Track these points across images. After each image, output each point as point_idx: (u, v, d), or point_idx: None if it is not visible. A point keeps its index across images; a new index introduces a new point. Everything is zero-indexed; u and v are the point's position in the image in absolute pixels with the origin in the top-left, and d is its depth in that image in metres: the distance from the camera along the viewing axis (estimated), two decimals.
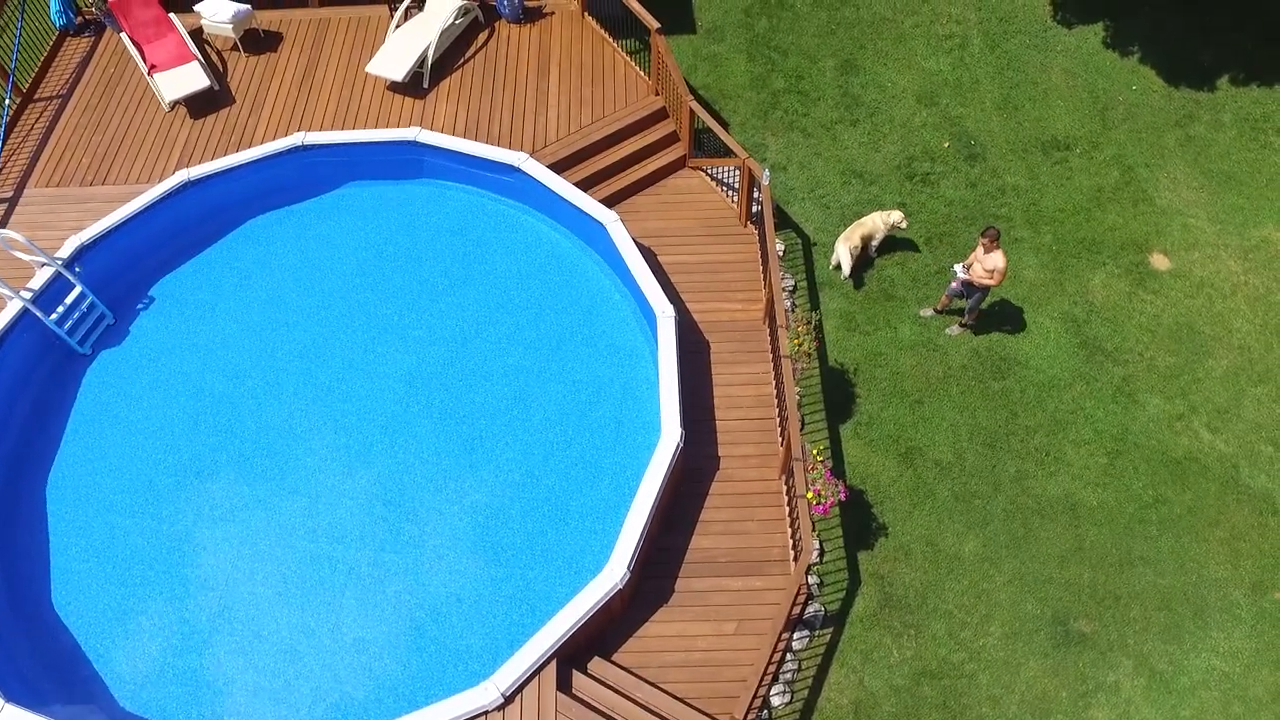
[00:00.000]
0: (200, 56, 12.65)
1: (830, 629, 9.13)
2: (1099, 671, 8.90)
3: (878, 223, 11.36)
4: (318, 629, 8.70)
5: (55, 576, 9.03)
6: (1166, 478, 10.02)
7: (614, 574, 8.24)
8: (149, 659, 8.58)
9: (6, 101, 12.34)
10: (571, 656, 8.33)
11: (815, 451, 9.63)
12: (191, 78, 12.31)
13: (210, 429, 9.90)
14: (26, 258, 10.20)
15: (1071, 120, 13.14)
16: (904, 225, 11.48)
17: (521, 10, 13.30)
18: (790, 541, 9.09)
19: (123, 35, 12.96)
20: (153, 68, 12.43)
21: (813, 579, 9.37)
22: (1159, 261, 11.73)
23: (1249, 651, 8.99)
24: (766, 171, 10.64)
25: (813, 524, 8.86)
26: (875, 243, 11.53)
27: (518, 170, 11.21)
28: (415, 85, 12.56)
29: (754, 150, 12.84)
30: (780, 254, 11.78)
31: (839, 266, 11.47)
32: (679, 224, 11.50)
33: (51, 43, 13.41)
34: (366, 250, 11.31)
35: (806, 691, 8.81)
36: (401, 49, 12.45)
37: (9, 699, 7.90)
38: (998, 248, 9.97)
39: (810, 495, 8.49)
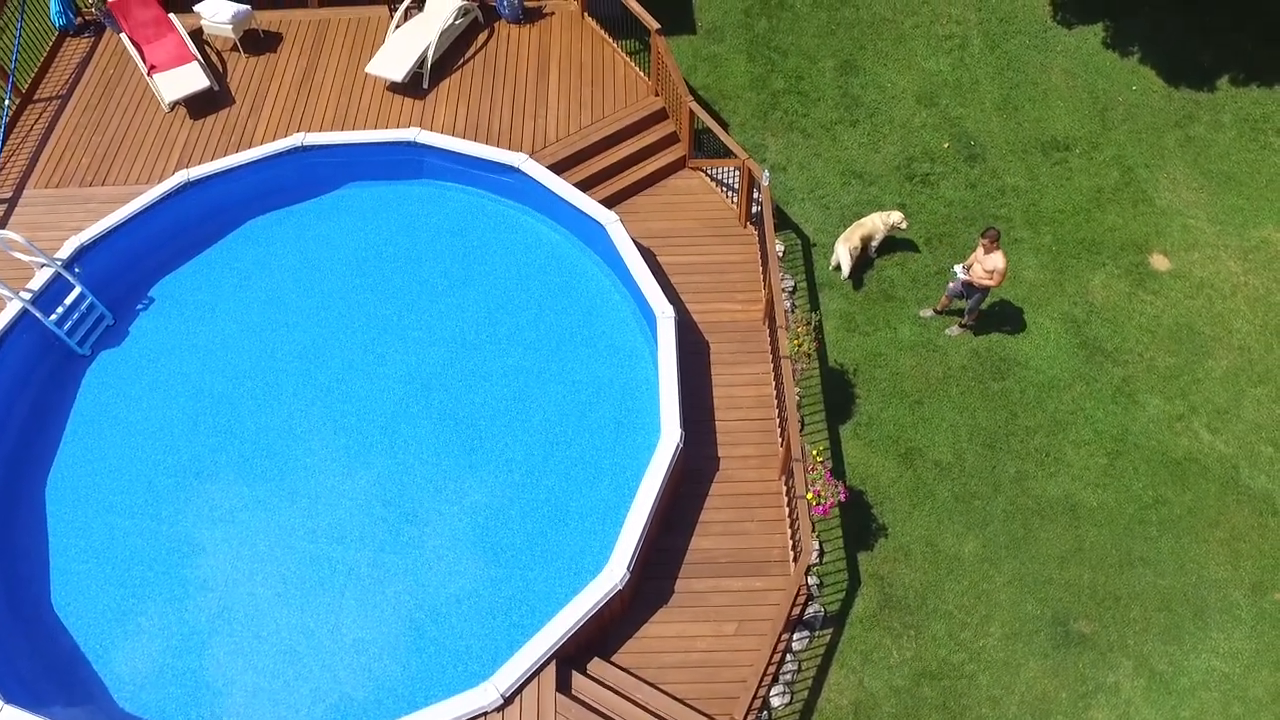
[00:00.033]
0: (200, 57, 12.65)
1: (830, 630, 9.13)
2: (1099, 672, 8.89)
3: (877, 223, 11.36)
4: (317, 630, 8.70)
5: (55, 578, 9.02)
6: (1166, 478, 10.02)
7: (614, 575, 8.24)
8: (148, 660, 8.57)
9: (6, 102, 12.33)
10: (571, 657, 8.33)
11: (815, 452, 9.63)
12: (191, 78, 12.31)
13: (210, 430, 9.89)
14: (26, 258, 10.20)
15: (1071, 121, 13.14)
16: (904, 226, 11.48)
17: (521, 11, 13.30)
18: (790, 542, 9.08)
19: (122, 36, 12.96)
20: (152, 68, 12.43)
21: (812, 580, 9.36)
22: (1159, 262, 11.73)
23: (1249, 652, 8.98)
24: (766, 172, 10.64)
25: (812, 525, 8.86)
26: (875, 243, 11.53)
27: (517, 171, 11.20)
28: (415, 86, 12.55)
29: (754, 151, 12.83)
30: (780, 255, 11.78)
31: (839, 267, 11.47)
32: (679, 225, 11.50)
33: (51, 43, 13.41)
34: (366, 251, 11.31)
35: (806, 692, 8.80)
36: (401, 49, 12.45)
37: (8, 700, 7.89)
38: (998, 248, 9.97)
39: (810, 496, 8.49)
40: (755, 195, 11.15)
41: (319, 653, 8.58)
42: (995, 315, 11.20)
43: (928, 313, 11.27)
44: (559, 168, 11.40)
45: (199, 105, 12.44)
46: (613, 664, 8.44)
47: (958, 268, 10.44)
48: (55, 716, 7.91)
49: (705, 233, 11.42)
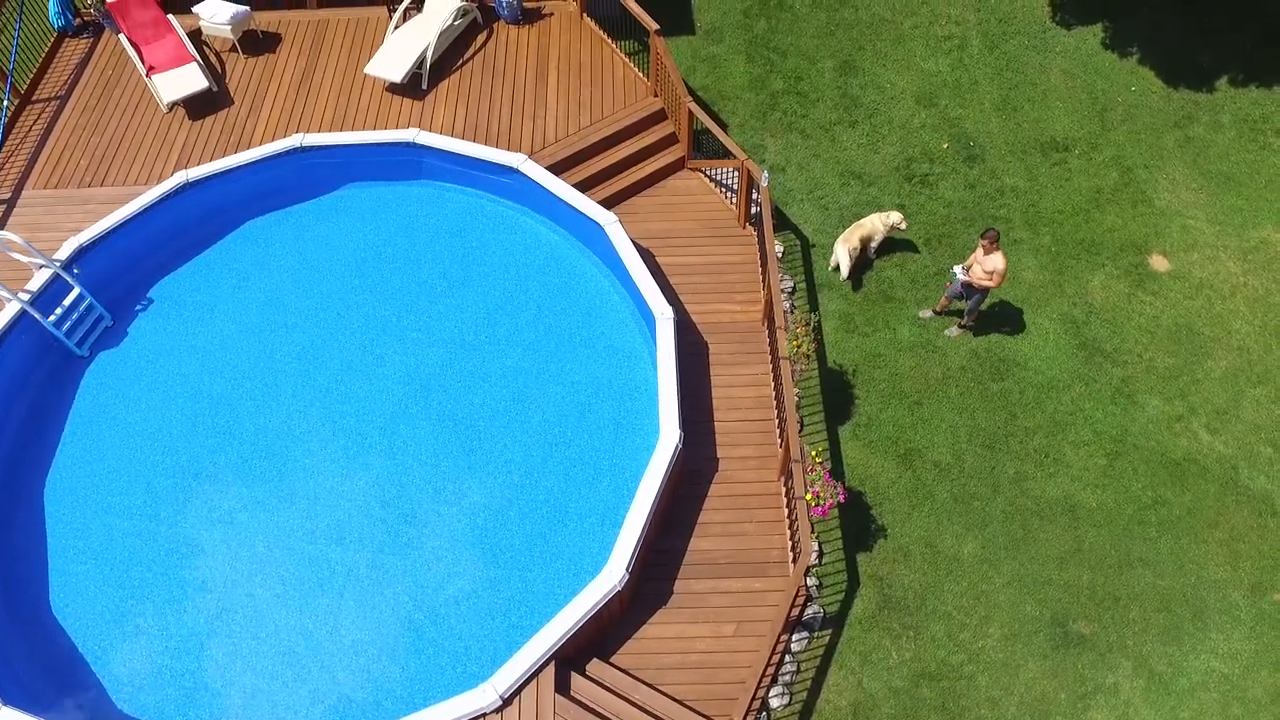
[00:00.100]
0: (199, 58, 12.64)
1: (829, 631, 9.12)
2: (1098, 673, 8.89)
3: (877, 224, 11.35)
4: (316, 631, 8.69)
5: (53, 579, 9.02)
6: (1166, 479, 10.01)
7: (613, 576, 8.23)
8: (147, 661, 8.56)
9: (5, 102, 12.33)
10: (570, 658, 8.32)
11: (814, 453, 9.64)
12: (190, 79, 12.30)
13: (209, 431, 9.89)
14: (25, 259, 10.19)
15: (1070, 121, 13.13)
16: (903, 226, 11.48)
17: (520, 11, 13.29)
18: (789, 543, 9.08)
19: (121, 36, 12.96)
20: (151, 69, 12.42)
21: (811, 581, 9.36)
22: (1158, 263, 11.73)
23: (1248, 653, 8.98)
24: (765, 173, 10.63)
25: (811, 526, 8.85)
26: (874, 244, 11.53)
27: (516, 172, 11.20)
28: (414, 86, 12.55)
29: (753, 151, 12.83)
30: (779, 255, 11.77)
31: (838, 268, 11.47)
32: (678, 225, 11.49)
33: (50, 44, 13.41)
34: (365, 252, 11.31)
35: (805, 693, 8.80)
36: (400, 50, 12.45)
37: (7, 702, 7.89)
38: (997, 249, 9.96)
39: (809, 497, 8.48)
40: (754, 196, 11.14)
41: (318, 654, 8.58)
42: (994, 316, 11.20)
43: (927, 313, 11.26)
44: (558, 168, 11.40)
45: (198, 106, 12.43)
46: (612, 665, 8.43)
47: (957, 268, 10.43)
48: (54, 718, 7.90)
49: (704, 233, 11.42)
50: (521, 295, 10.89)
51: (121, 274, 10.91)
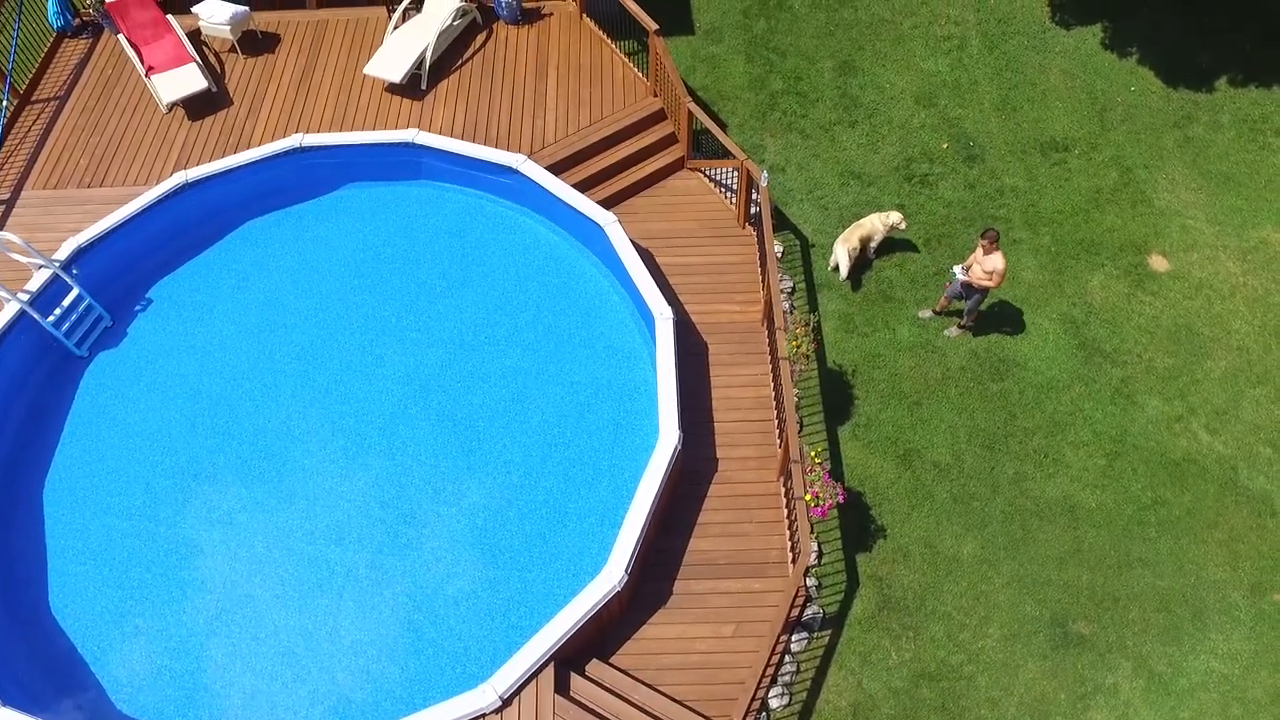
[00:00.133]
0: (198, 58, 12.64)
1: (829, 631, 9.12)
2: (1098, 673, 8.89)
3: (876, 224, 11.35)
4: (315, 632, 8.69)
5: (52, 580, 9.01)
6: (1165, 479, 10.01)
7: (612, 576, 8.23)
8: (146, 662, 8.56)
9: (4, 103, 12.32)
10: (569, 659, 8.32)
11: (813, 453, 9.63)
12: (189, 79, 12.29)
13: (208, 431, 9.88)
14: (24, 259, 10.19)
15: (1070, 121, 13.13)
16: (903, 227, 11.47)
17: (519, 12, 13.29)
18: (789, 544, 9.07)
19: (120, 37, 12.96)
20: (150, 69, 12.42)
21: (811, 581, 9.35)
22: (1158, 263, 11.73)
23: (1248, 653, 8.98)
24: (765, 173, 10.63)
25: (811, 526, 8.84)
26: (874, 244, 11.53)
27: (516, 172, 11.20)
28: (413, 87, 12.55)
29: (752, 151, 12.83)
30: (778, 255, 11.77)
31: (837, 268, 11.46)
32: (677, 225, 11.49)
33: (49, 44, 13.41)
34: (364, 252, 11.30)
35: (805, 694, 8.79)
36: (399, 50, 12.44)
37: (5, 702, 7.88)
38: (997, 249, 9.96)
39: (808, 497, 8.48)
40: (754, 196, 11.14)
41: (317, 655, 8.57)
42: (994, 316, 11.20)
43: (926, 314, 11.26)
44: (557, 169, 11.40)
45: (197, 106, 12.43)
46: (611, 665, 8.43)
47: (957, 269, 10.43)
48: (53, 719, 7.90)
49: (704, 234, 11.42)
50: (521, 295, 10.88)
51: (121, 274, 10.91)
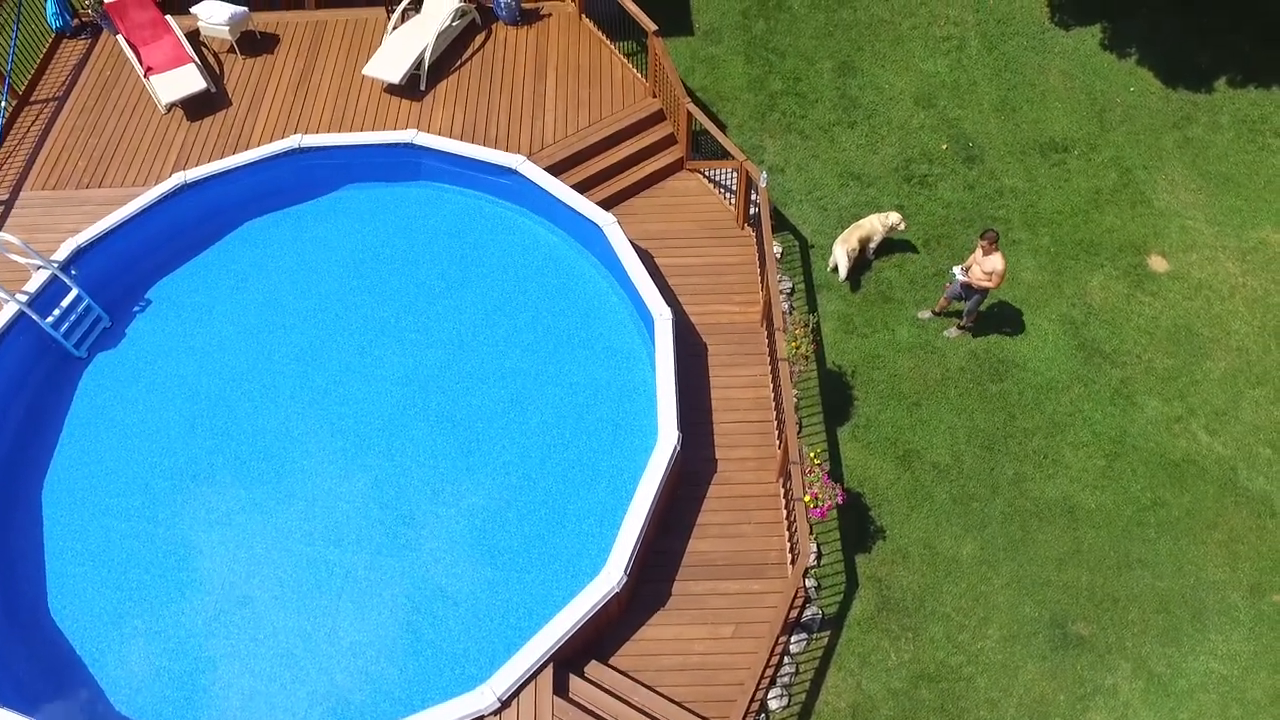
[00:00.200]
0: (197, 59, 12.63)
1: (828, 632, 9.11)
2: (1097, 674, 8.88)
3: (875, 225, 11.35)
4: (314, 633, 8.68)
5: (51, 581, 9.01)
6: (1165, 480, 10.01)
7: (611, 577, 8.22)
8: (145, 663, 8.55)
9: (2, 104, 12.32)
10: (568, 660, 8.31)
11: (813, 454, 9.63)
12: (188, 80, 12.29)
13: (207, 432, 9.88)
14: (22, 260, 10.19)
15: (1069, 122, 13.13)
16: (902, 227, 11.47)
17: (518, 12, 13.28)
18: (788, 545, 9.07)
19: (119, 37, 12.95)
20: (149, 70, 12.41)
21: (810, 582, 9.35)
22: (1157, 263, 11.72)
23: (1247, 654, 8.97)
24: (764, 174, 10.62)
25: (810, 527, 8.84)
26: (873, 245, 11.52)
27: (515, 173, 11.19)
28: (412, 88, 12.54)
29: (751, 152, 12.82)
30: (778, 256, 11.76)
31: (836, 269, 11.46)
32: (676, 226, 11.49)
33: (48, 45, 13.41)
34: (363, 253, 11.30)
35: (804, 695, 8.79)
36: (398, 51, 12.43)
37: (4, 704, 7.87)
38: (996, 250, 9.96)
39: (807, 498, 8.47)
40: (753, 197, 11.13)
41: (316, 656, 8.57)
42: (993, 317, 11.19)
43: (926, 314, 11.26)
44: (556, 169, 11.39)
45: (196, 107, 12.42)
46: (610, 667, 8.42)
47: (956, 269, 10.43)
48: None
49: (703, 234, 11.41)
50: (520, 296, 10.88)
51: (119, 275, 10.91)
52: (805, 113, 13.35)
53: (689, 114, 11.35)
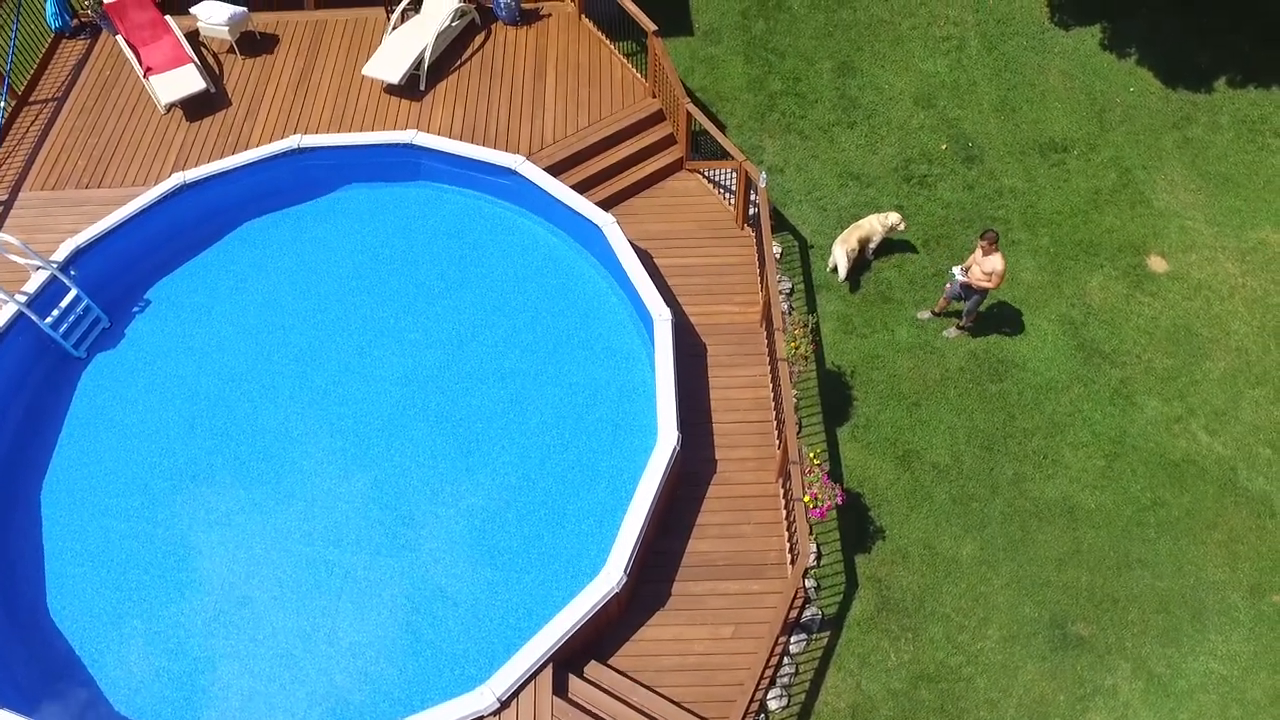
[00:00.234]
0: (196, 59, 12.63)
1: (827, 633, 9.11)
2: (1097, 675, 8.88)
3: (875, 225, 11.34)
4: (313, 633, 8.67)
5: (50, 581, 9.00)
6: (1164, 480, 10.00)
7: (610, 577, 8.22)
8: (144, 664, 8.55)
9: (2, 104, 12.31)
10: (567, 661, 8.31)
11: (812, 455, 9.63)
12: (187, 80, 12.29)
13: (206, 433, 9.87)
14: (21, 261, 10.19)
15: (1069, 122, 13.13)
16: (901, 227, 11.47)
17: (518, 12, 13.28)
18: (787, 545, 9.07)
19: (118, 38, 12.95)
20: (148, 70, 12.41)
21: (810, 582, 9.34)
22: (1156, 263, 11.72)
23: (1247, 654, 8.97)
24: (763, 174, 10.62)
25: (810, 527, 8.84)
26: (873, 245, 11.52)
27: (514, 173, 11.19)
28: (412, 88, 12.54)
29: (751, 152, 12.82)
30: (777, 257, 11.76)
31: (836, 269, 11.45)
32: (676, 226, 11.48)
33: (47, 45, 13.40)
34: (363, 253, 11.29)
35: (803, 695, 8.78)
36: (398, 51, 12.43)
37: (3, 704, 7.87)
38: (996, 250, 9.96)
39: (807, 499, 8.47)
40: (752, 197, 11.13)
41: (315, 656, 8.56)
42: (993, 317, 11.19)
43: (925, 315, 11.25)
44: (556, 170, 11.39)
45: (195, 107, 12.42)
46: (609, 667, 8.42)
47: (956, 269, 10.42)
48: None
49: (702, 235, 11.41)
50: (519, 297, 10.87)
51: (119, 276, 10.90)
52: (805, 113, 13.35)
53: (688, 114, 11.35)
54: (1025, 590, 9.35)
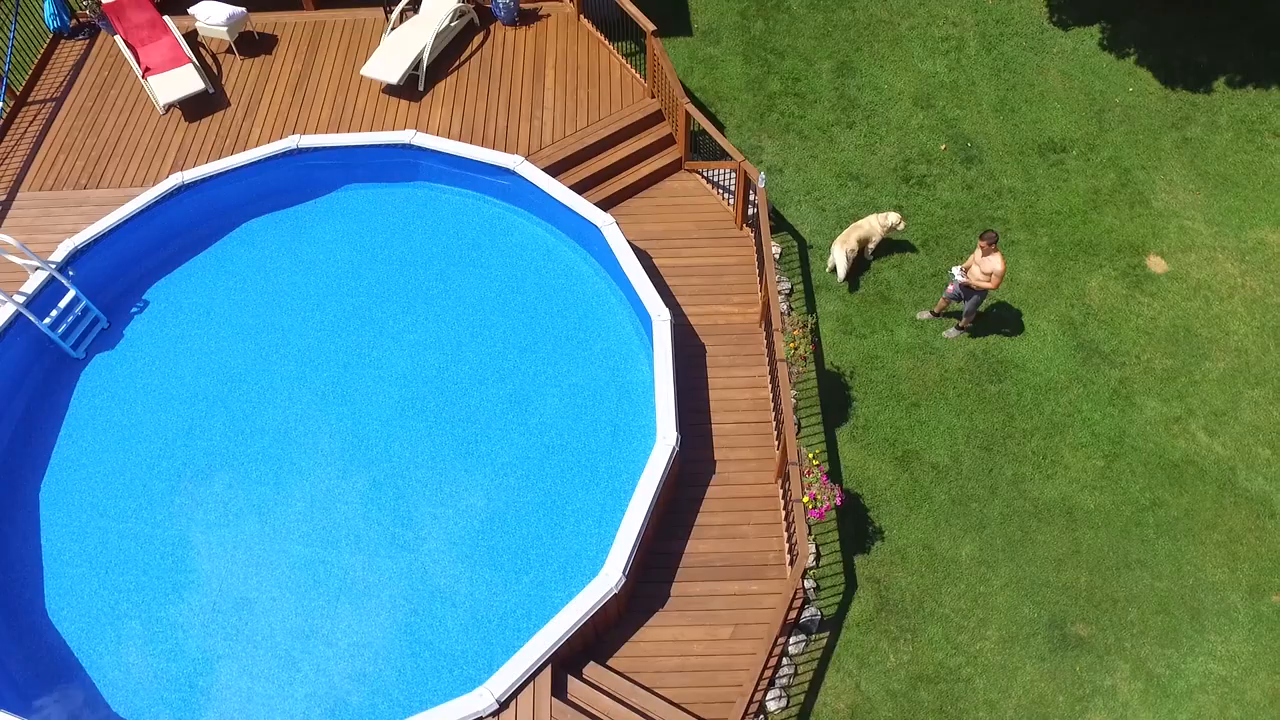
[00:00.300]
0: (195, 59, 12.62)
1: (826, 633, 9.11)
2: (1096, 675, 8.88)
3: (874, 225, 11.34)
4: (312, 634, 8.67)
5: (49, 582, 8.99)
6: (1164, 481, 10.00)
7: (610, 578, 8.21)
8: (143, 665, 8.54)
9: (0, 104, 12.30)
10: (567, 661, 8.30)
11: (811, 455, 9.63)
12: (186, 81, 12.28)
13: (205, 433, 9.86)
14: (20, 261, 10.17)
15: (1068, 122, 13.13)
16: (901, 228, 11.46)
17: (517, 12, 13.28)
18: (786, 546, 9.06)
19: (117, 38, 12.93)
20: (147, 70, 12.40)
21: (809, 583, 9.34)
22: (1156, 264, 11.72)
23: (1246, 655, 8.97)
24: (762, 174, 10.62)
25: (809, 528, 8.84)
26: (872, 245, 11.51)
27: (513, 173, 11.18)
28: (410, 88, 12.53)
29: (750, 153, 12.82)
30: (776, 257, 11.76)
31: (835, 269, 11.45)
32: (675, 227, 11.48)
33: (45, 45, 13.38)
34: (362, 253, 11.28)
35: (803, 696, 8.78)
36: (397, 52, 12.42)
37: (1, 705, 7.86)
38: (995, 250, 9.95)
39: (806, 499, 8.47)
40: (751, 197, 11.13)
41: (314, 657, 8.55)
42: (992, 317, 11.19)
43: (925, 315, 11.25)
44: (555, 170, 11.38)
45: (194, 108, 12.41)
46: (608, 668, 8.41)
47: (955, 270, 10.42)
48: None
49: (701, 235, 11.40)
50: (519, 297, 10.87)
51: (117, 276, 10.90)
52: (804, 113, 13.34)
53: (687, 114, 11.34)
54: (1024, 591, 9.35)
